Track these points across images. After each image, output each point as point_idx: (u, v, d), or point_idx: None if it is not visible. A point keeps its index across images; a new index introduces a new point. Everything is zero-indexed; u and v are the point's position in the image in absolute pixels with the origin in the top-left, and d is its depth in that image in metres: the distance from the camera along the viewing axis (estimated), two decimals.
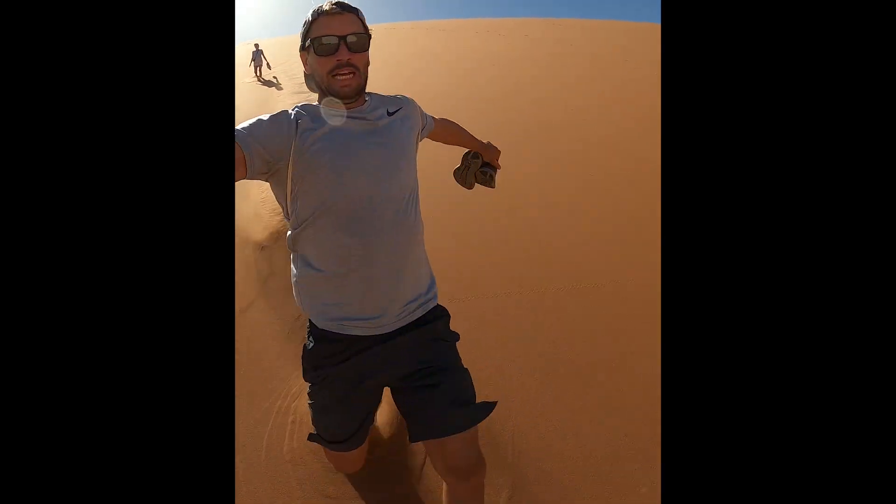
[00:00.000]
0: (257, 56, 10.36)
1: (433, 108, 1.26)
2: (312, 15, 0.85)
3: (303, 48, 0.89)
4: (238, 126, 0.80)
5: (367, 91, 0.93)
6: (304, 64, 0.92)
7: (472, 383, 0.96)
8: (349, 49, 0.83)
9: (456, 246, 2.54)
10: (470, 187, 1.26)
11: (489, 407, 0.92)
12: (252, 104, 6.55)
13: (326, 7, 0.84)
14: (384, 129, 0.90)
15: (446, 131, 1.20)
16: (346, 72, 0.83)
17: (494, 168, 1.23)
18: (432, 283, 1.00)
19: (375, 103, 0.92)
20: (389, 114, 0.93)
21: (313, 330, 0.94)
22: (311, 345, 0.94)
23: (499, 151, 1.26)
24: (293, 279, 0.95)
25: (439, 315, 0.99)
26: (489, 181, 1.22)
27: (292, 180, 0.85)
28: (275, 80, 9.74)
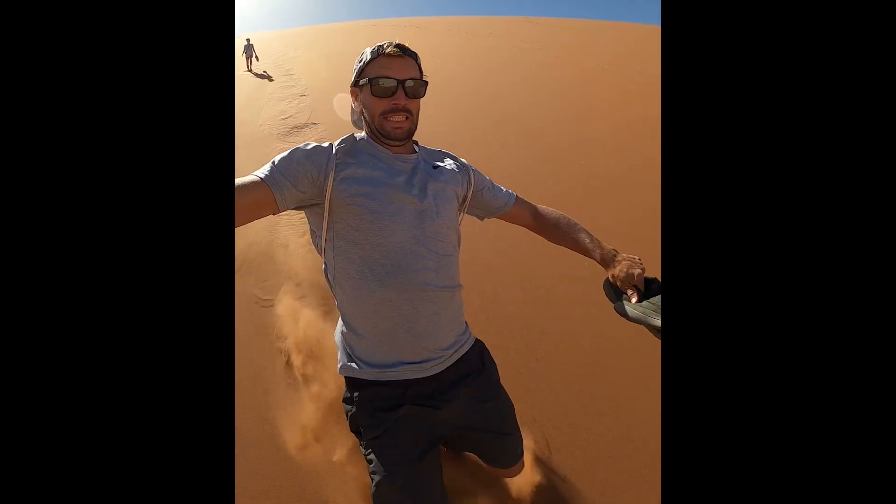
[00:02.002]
0: (248, 50, 11.50)
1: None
2: (372, 53, 0.85)
3: (356, 84, 0.88)
4: (275, 158, 0.79)
5: (416, 141, 0.94)
6: (354, 99, 0.91)
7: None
8: (406, 94, 0.84)
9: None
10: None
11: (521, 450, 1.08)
12: (242, 93, 7.69)
13: (388, 49, 0.83)
14: (427, 181, 0.88)
15: (549, 225, 1.05)
16: (401, 116, 0.84)
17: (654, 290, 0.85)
18: (463, 318, 0.98)
19: (423, 155, 0.93)
20: (434, 167, 0.92)
21: (358, 382, 0.90)
22: (358, 395, 0.89)
23: (637, 262, 0.91)
24: (336, 338, 0.94)
25: (484, 356, 1.01)
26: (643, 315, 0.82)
27: (329, 220, 0.84)
28: (265, 74, 10.61)
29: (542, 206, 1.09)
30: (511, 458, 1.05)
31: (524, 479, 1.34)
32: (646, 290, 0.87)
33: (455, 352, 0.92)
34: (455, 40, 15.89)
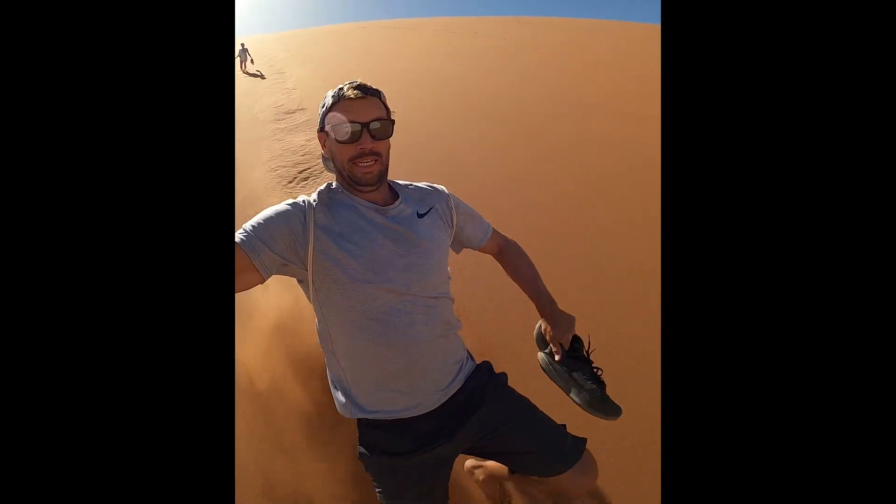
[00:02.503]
0: (243, 53, 11.85)
1: None
2: (333, 98, 0.81)
3: (321, 129, 0.84)
4: (246, 224, 0.76)
5: (396, 182, 0.91)
6: (322, 145, 0.86)
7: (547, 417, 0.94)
8: (372, 137, 0.79)
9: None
10: (585, 400, 0.87)
11: (583, 441, 0.91)
12: (240, 89, 8.33)
13: (348, 92, 0.79)
14: (413, 234, 0.84)
15: (507, 263, 1.07)
16: (369, 160, 0.80)
17: (596, 377, 0.89)
18: (461, 353, 0.94)
19: (405, 203, 0.88)
20: (420, 215, 0.88)
21: (361, 423, 0.88)
22: (365, 442, 0.88)
23: (572, 321, 0.95)
24: (330, 379, 0.91)
25: (482, 371, 0.96)
26: (579, 391, 0.86)
27: (314, 285, 0.81)
28: (258, 73, 11.13)
29: (510, 241, 1.09)
30: (560, 458, 0.89)
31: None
32: (570, 349, 0.92)
33: (453, 385, 0.89)
34: (450, 41, 16.05)
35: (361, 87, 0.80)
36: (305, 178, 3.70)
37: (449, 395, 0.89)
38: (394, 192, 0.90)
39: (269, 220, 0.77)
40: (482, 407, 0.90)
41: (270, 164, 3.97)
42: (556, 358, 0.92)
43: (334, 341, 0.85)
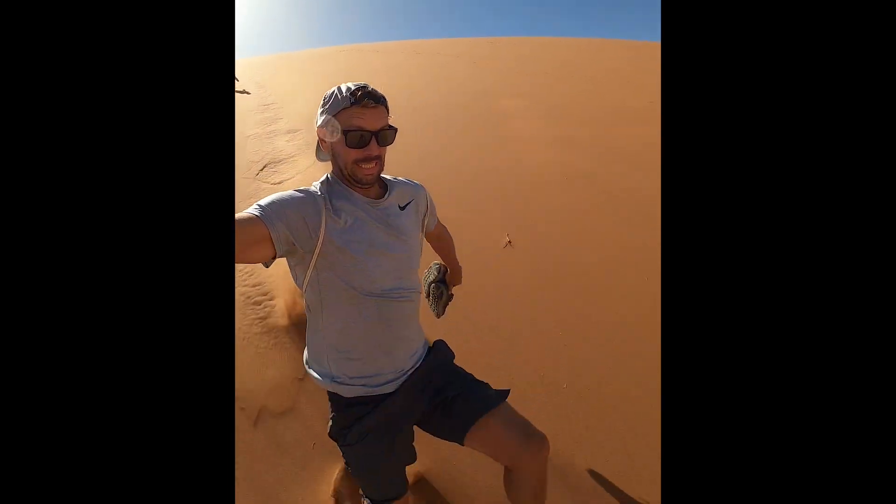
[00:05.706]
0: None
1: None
2: (343, 101, 0.84)
3: (324, 125, 0.88)
4: (262, 202, 0.80)
5: (384, 176, 0.98)
6: (322, 140, 0.91)
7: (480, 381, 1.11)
8: (379, 144, 0.87)
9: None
10: (440, 310, 1.33)
11: (505, 392, 1.08)
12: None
13: (362, 100, 0.83)
14: (400, 224, 0.96)
15: (440, 241, 1.27)
16: (372, 163, 0.87)
17: (450, 295, 1.33)
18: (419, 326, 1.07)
19: (392, 196, 0.97)
20: (401, 208, 0.98)
21: (338, 398, 0.99)
22: (339, 412, 1.00)
23: (460, 276, 1.35)
24: (310, 349, 1.01)
25: (439, 350, 1.12)
26: (440, 304, 1.32)
27: (315, 267, 0.88)
28: (244, 90, 12.38)
29: (444, 227, 1.26)
30: (486, 398, 1.06)
31: None
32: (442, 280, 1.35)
33: (416, 361, 1.05)
34: (413, 60, 18.49)
35: (373, 96, 0.85)
36: (270, 139, 6.49)
37: (413, 369, 1.03)
38: (382, 184, 0.99)
39: (284, 202, 0.82)
40: (432, 381, 1.08)
41: (253, 140, 6.64)
42: (449, 291, 1.30)
43: (328, 319, 0.93)
